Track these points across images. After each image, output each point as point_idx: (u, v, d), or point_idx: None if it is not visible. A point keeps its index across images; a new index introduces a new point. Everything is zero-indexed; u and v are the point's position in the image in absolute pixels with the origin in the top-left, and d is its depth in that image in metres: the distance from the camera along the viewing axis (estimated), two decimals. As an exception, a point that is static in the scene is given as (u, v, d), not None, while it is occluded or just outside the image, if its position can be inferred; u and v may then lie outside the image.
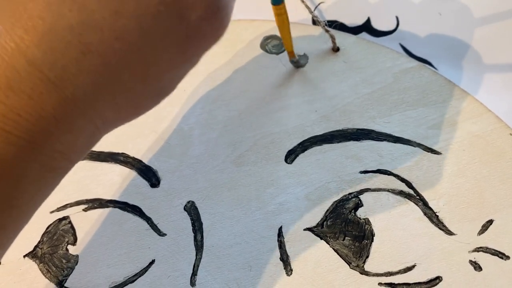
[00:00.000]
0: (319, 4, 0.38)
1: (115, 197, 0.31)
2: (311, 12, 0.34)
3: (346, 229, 0.29)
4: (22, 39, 0.18)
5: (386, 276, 0.28)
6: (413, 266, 0.28)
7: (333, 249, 0.29)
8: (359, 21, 0.37)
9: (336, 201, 0.30)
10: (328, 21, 0.37)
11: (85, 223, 0.31)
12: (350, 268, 0.29)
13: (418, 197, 0.30)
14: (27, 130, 0.18)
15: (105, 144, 0.32)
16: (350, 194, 0.30)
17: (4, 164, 0.18)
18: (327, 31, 0.34)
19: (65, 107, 0.19)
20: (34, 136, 0.18)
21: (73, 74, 0.18)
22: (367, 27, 0.37)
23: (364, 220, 0.30)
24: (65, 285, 0.29)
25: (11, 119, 0.18)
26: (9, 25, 0.18)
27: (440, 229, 0.29)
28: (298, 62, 0.34)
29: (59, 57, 0.18)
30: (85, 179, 0.32)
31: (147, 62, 0.20)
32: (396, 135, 0.32)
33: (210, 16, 0.20)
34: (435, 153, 0.31)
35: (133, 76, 0.20)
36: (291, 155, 0.32)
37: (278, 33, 0.36)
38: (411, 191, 0.30)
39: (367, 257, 0.29)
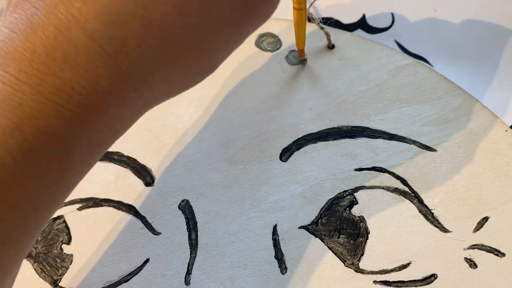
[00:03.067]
0: (314, 1, 0.37)
1: (110, 196, 0.31)
2: (305, 9, 0.34)
3: (341, 227, 0.29)
4: (80, 11, 0.17)
5: (381, 274, 0.28)
6: (408, 264, 0.28)
7: (328, 247, 0.29)
8: (354, 18, 0.37)
9: (331, 199, 0.30)
10: (323, 18, 0.37)
11: (80, 222, 0.30)
12: (345, 266, 0.28)
13: (413, 194, 0.30)
14: (80, 103, 0.18)
15: (99, 143, 0.32)
16: (345, 191, 0.30)
17: (55, 138, 0.18)
18: (322, 28, 0.34)
19: (119, 81, 0.18)
20: (86, 109, 0.18)
21: (131, 49, 0.18)
22: (362, 24, 0.37)
23: (359, 218, 0.30)
24: (60, 284, 0.29)
25: (65, 93, 0.17)
26: None
27: (435, 226, 0.29)
28: (304, 61, 0.34)
29: (119, 30, 0.18)
30: (79, 178, 0.31)
31: (206, 39, 0.20)
32: (391, 132, 0.32)
33: None
34: (430, 150, 0.31)
35: (190, 53, 0.20)
36: (286, 153, 0.32)
37: (273, 31, 0.36)
38: (406, 189, 0.30)
39: (362, 255, 0.29)
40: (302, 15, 0.31)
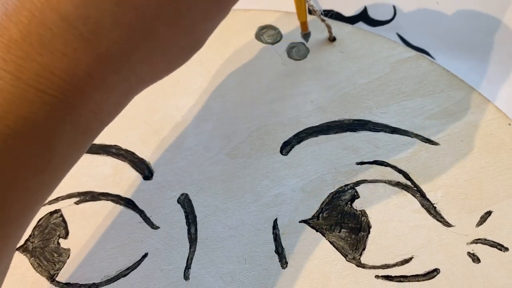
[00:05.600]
0: (315, -7, 0.37)
1: (108, 190, 0.31)
2: (306, 1, 0.34)
3: (342, 221, 0.29)
4: None
5: (383, 268, 0.28)
6: (411, 259, 0.28)
7: (329, 241, 0.29)
8: (356, 10, 0.37)
9: (332, 193, 0.30)
10: (324, 11, 0.36)
11: (77, 216, 0.30)
12: (347, 260, 0.28)
13: (415, 188, 0.30)
14: (61, 88, 0.18)
15: (97, 136, 0.32)
16: (346, 185, 0.30)
17: (38, 124, 0.17)
18: (323, 20, 0.34)
19: (100, 64, 0.18)
20: (68, 94, 0.18)
21: (107, 29, 0.18)
22: (363, 17, 0.37)
23: (360, 212, 0.29)
24: (57, 279, 0.29)
25: (45, 78, 0.17)
26: None
27: (438, 220, 0.29)
28: (307, 36, 0.34)
29: (92, 10, 0.17)
30: (77, 171, 0.31)
31: (182, 13, 0.19)
32: (393, 125, 0.31)
33: None
34: (432, 144, 0.31)
35: (168, 29, 0.19)
36: (286, 147, 0.31)
37: (273, 23, 0.35)
38: (409, 183, 0.30)
39: (364, 249, 0.28)
40: None
